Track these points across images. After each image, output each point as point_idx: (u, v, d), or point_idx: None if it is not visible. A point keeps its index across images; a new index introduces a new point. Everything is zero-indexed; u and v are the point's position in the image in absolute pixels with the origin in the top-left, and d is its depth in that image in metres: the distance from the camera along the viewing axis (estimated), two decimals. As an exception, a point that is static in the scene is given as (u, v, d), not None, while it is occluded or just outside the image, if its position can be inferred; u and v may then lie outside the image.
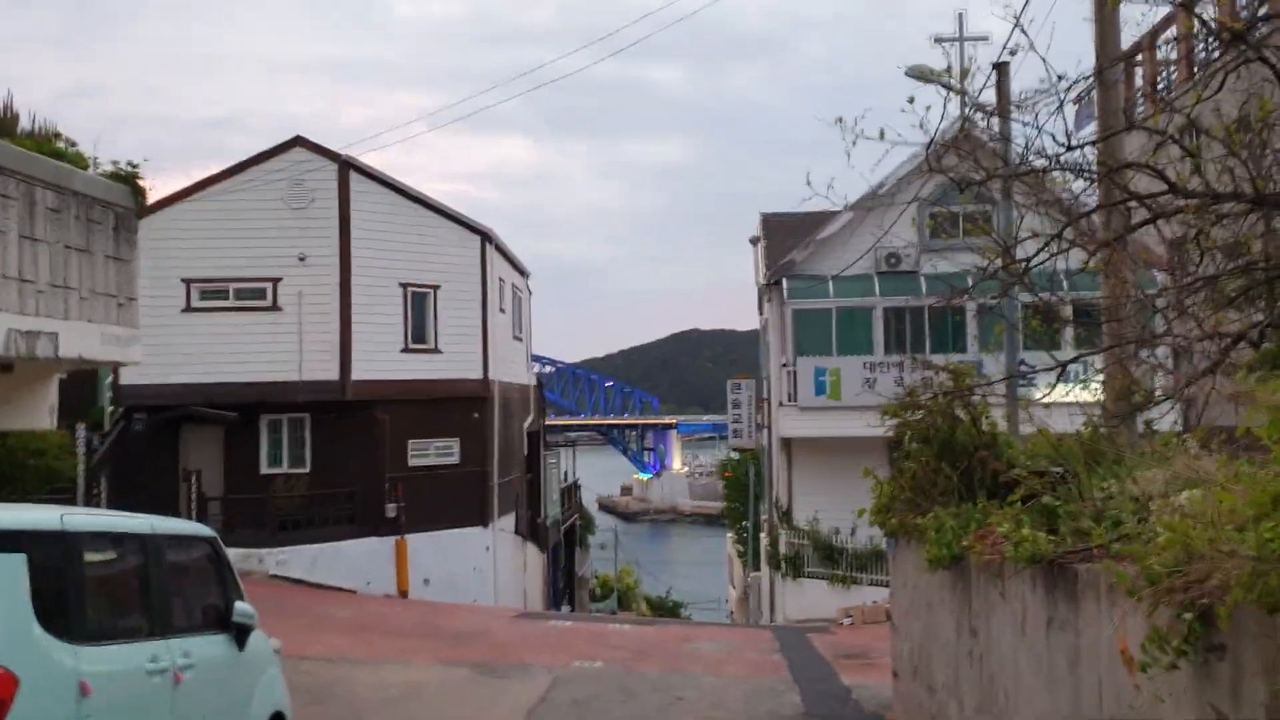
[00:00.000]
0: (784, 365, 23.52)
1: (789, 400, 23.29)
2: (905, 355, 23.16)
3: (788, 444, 23.81)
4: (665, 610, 50.95)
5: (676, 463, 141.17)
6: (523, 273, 30.04)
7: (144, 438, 21.75)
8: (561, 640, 14.66)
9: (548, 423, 65.65)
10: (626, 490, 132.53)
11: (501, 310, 26.15)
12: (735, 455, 50.29)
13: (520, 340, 29.36)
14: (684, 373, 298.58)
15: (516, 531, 27.57)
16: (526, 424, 29.71)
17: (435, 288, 23.23)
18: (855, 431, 24.01)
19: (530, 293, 31.92)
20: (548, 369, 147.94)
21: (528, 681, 11.54)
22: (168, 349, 21.35)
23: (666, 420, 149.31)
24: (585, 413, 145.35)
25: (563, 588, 37.13)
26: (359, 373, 21.93)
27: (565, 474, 41.49)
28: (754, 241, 25.71)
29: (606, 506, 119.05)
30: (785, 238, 25.65)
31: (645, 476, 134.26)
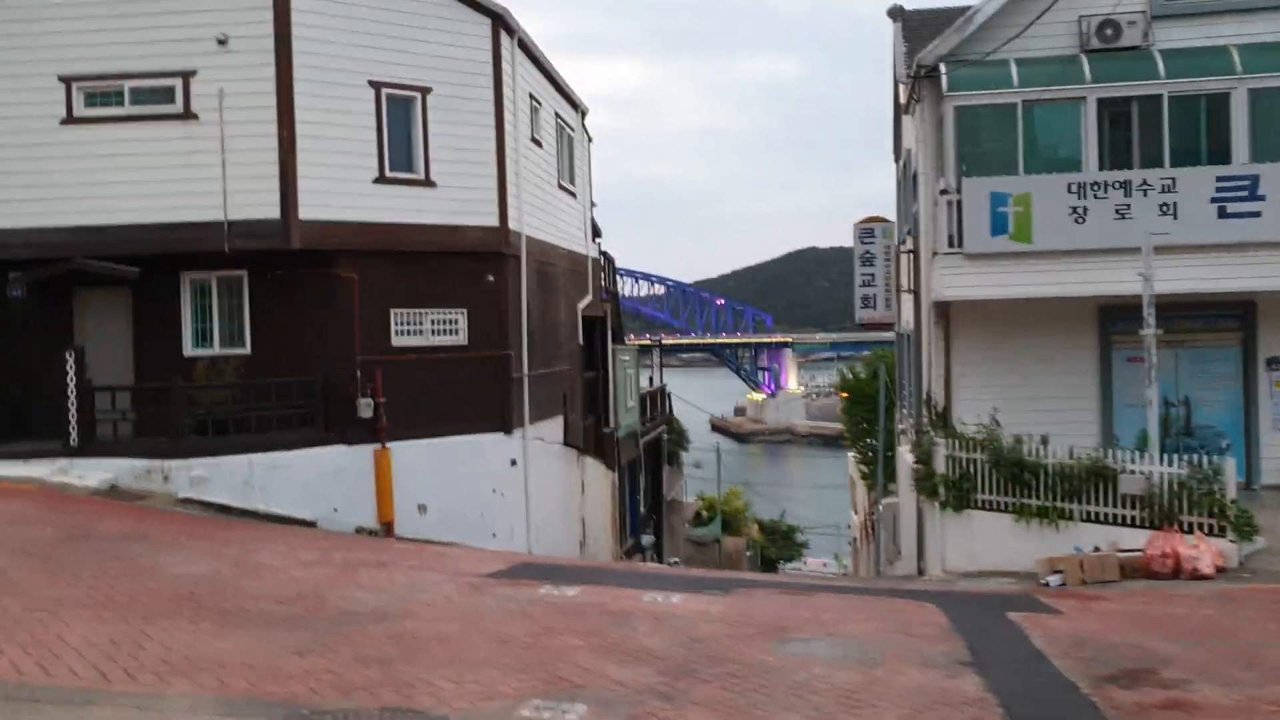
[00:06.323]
0: (942, 193, 15.57)
1: (950, 246, 15.41)
2: (1133, 170, 14.99)
3: (946, 312, 16.00)
4: (780, 535, 45.09)
5: (792, 382, 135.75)
6: (575, 105, 22.60)
7: (26, 305, 15.59)
8: (537, 635, 7.63)
9: (659, 341, 59.44)
10: (740, 411, 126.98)
11: (535, 141, 18.89)
12: (859, 369, 42.78)
13: (571, 193, 22.10)
14: (800, 293, 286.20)
15: (567, 443, 20.75)
16: (582, 305, 22.65)
17: (424, 91, 16.05)
18: (1055, 289, 16.05)
19: (590, 138, 24.53)
20: (658, 288, 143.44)
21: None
22: (46, 178, 15.05)
23: (780, 338, 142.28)
24: (696, 332, 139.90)
25: (646, 514, 30.51)
26: (310, 210, 15.09)
27: (650, 379, 34.51)
28: (894, 15, 17.52)
29: (719, 427, 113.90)
30: (930, 39, 17.46)
31: (759, 396, 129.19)
